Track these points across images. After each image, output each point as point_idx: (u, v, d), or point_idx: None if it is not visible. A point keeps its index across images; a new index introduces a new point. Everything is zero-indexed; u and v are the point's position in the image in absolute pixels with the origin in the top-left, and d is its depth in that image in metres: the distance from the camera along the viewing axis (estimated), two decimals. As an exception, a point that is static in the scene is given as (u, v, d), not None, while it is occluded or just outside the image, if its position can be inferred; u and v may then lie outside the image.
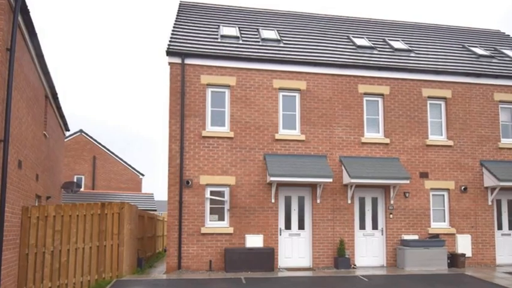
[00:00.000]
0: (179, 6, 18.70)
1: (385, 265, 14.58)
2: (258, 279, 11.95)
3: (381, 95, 15.28)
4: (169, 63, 14.13)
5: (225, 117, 14.35)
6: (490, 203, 15.40)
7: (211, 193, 13.99)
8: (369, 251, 14.66)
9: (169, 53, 14.07)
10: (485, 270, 13.79)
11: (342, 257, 13.87)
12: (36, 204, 13.71)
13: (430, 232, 14.82)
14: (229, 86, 14.41)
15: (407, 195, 14.87)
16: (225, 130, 14.26)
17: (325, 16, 20.30)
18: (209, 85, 14.33)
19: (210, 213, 13.91)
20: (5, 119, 9.14)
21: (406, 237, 14.55)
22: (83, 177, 33.03)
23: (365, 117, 15.12)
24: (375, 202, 14.94)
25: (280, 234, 14.22)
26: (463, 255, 14.37)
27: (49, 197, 16.32)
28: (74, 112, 79.79)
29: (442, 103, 15.70)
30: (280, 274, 12.89)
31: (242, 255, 13.20)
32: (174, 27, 16.11)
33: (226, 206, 13.96)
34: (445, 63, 16.24)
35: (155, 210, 27.04)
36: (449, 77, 15.66)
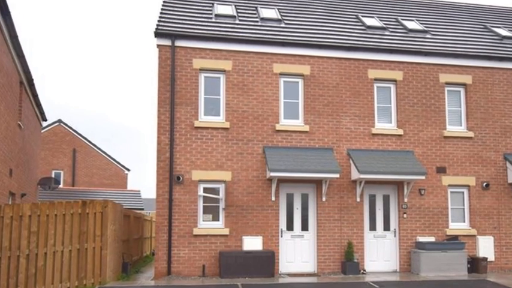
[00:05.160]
0: (168, -19, 18.55)
1: (398, 270, 14.60)
2: (257, 285, 11.96)
3: (394, 80, 15.23)
4: (158, 46, 14.07)
5: (220, 106, 14.31)
6: (514, 201, 15.42)
7: (205, 190, 13.96)
8: (380, 255, 14.67)
9: (158, 34, 14.01)
10: (509, 276, 13.83)
11: (350, 261, 13.88)
12: (10, 203, 13.66)
13: (448, 233, 14.83)
14: (224, 70, 14.34)
15: (422, 192, 14.87)
16: (219, 120, 14.20)
17: (331, -7, 20.18)
18: (202, 70, 14.26)
19: (204, 213, 13.90)
20: (-26, 107, 9.05)
21: (421, 239, 14.56)
22: (61, 172, 33.01)
23: (376, 105, 15.08)
24: (386, 200, 14.93)
25: (282, 236, 14.22)
26: (485, 259, 14.38)
27: (24, 195, 16.30)
28: (51, 100, 79.73)
29: (461, 90, 15.65)
30: (281, 280, 12.91)
31: (239, 259, 13.19)
32: (163, 5, 16.04)
33: (221, 205, 13.94)
34: (464, 46, 16.17)
35: (142, 209, 27.05)
36: (470, 60, 15.62)
